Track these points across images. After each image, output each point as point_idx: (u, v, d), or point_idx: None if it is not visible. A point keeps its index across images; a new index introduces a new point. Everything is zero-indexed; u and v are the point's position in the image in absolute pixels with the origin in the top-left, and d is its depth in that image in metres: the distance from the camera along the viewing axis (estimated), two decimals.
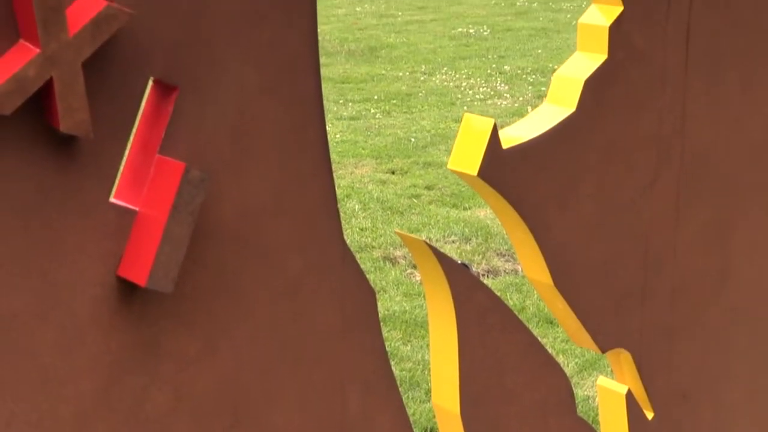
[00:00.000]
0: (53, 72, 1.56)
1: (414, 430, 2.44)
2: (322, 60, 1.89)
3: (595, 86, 2.27)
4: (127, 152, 1.77)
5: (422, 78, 11.91)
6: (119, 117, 1.71)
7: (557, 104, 2.28)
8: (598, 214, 2.36)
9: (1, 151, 1.59)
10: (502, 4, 16.45)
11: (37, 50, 1.54)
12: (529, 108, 10.17)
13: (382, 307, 6.63)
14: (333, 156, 2.33)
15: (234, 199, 1.87)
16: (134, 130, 1.77)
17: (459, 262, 4.84)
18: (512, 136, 2.22)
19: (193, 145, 1.81)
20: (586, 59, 2.30)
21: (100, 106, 1.66)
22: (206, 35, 1.80)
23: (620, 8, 2.30)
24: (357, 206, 7.97)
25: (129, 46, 1.70)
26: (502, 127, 2.18)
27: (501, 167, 2.17)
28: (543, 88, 10.97)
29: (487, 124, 2.12)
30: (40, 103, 1.59)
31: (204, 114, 1.81)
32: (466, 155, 2.14)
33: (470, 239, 7.40)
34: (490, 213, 7.78)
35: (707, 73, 2.49)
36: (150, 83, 1.77)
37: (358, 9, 16.36)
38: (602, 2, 2.33)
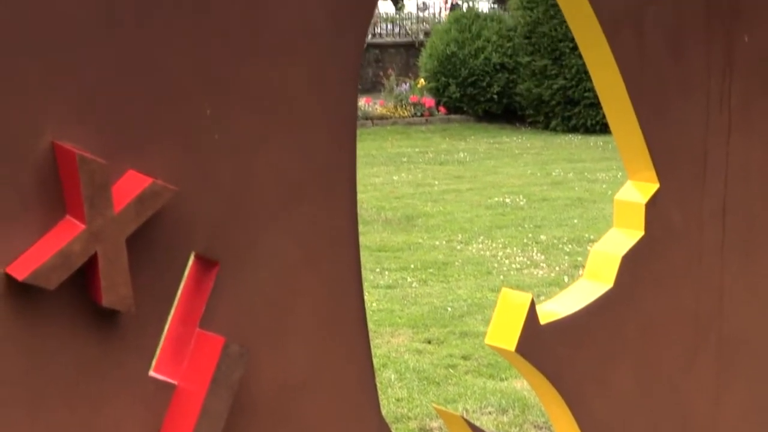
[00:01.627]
0: (98, 247, 1.59)
1: None
2: (359, 228, 1.92)
3: (632, 263, 2.28)
4: (167, 326, 1.78)
5: (459, 247, 11.98)
6: (161, 291, 1.73)
7: (594, 280, 2.28)
8: (636, 392, 2.34)
9: (43, 326, 1.61)
10: (538, 174, 16.64)
11: (83, 226, 1.58)
12: (566, 278, 10.16)
13: None
14: (370, 325, 2.34)
15: (272, 374, 1.88)
16: (175, 304, 1.79)
17: None
18: (550, 311, 2.22)
19: (233, 319, 1.82)
20: (623, 235, 2.32)
21: (142, 280, 1.69)
22: (248, 211, 1.83)
23: (656, 186, 2.33)
24: (393, 376, 7.93)
25: (171, 222, 1.73)
26: (539, 297, 2.18)
27: (538, 343, 2.16)
28: (580, 258, 10.99)
29: (525, 299, 2.13)
30: (83, 278, 1.62)
31: (244, 288, 1.83)
32: (504, 330, 2.15)
33: (507, 411, 7.31)
34: (527, 384, 7.70)
35: (744, 250, 2.50)
36: (191, 258, 1.80)
37: (395, 178, 16.59)
38: (638, 179, 2.36)
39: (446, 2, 33.91)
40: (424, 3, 33.38)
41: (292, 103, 1.87)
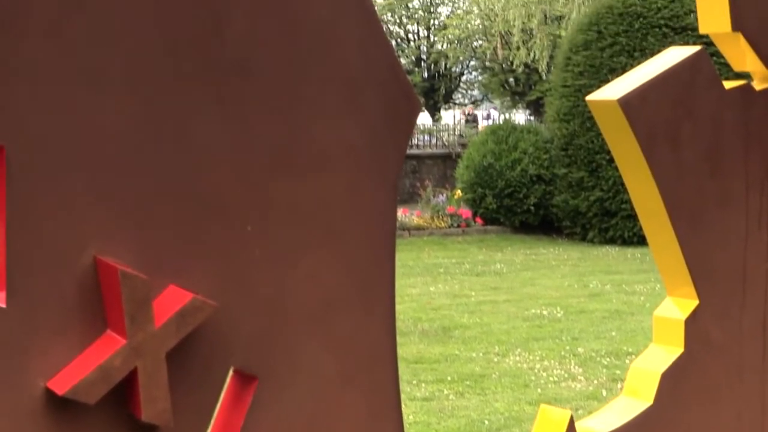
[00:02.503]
0: (138, 363, 1.60)
1: None
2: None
3: (672, 380, 2.25)
4: None
5: (496, 359, 11.88)
6: (199, 406, 1.73)
7: (634, 397, 2.26)
8: None
9: None
10: (575, 286, 16.54)
11: (124, 341, 1.59)
12: (604, 391, 10.03)
13: None
14: None
15: None
16: (213, 419, 1.79)
17: None
18: (589, 428, 2.20)
19: None
20: (663, 352, 2.30)
21: (181, 395, 1.69)
22: (286, 326, 1.84)
23: (695, 302, 2.31)
24: None
25: (211, 336, 1.74)
26: (576, 411, 2.16)
27: None
28: (618, 371, 10.85)
29: (564, 416, 2.11)
30: (122, 392, 1.63)
31: (282, 403, 1.83)
32: None
33: None
34: None
35: None
36: (230, 373, 1.80)
37: (432, 289, 16.55)
38: (677, 295, 2.35)
39: (464, 113, 34.32)
40: (469, 115, 33.79)
41: (331, 218, 1.89)
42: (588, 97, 2.43)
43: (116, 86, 1.67)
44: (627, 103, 2.32)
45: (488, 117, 30.66)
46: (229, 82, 1.77)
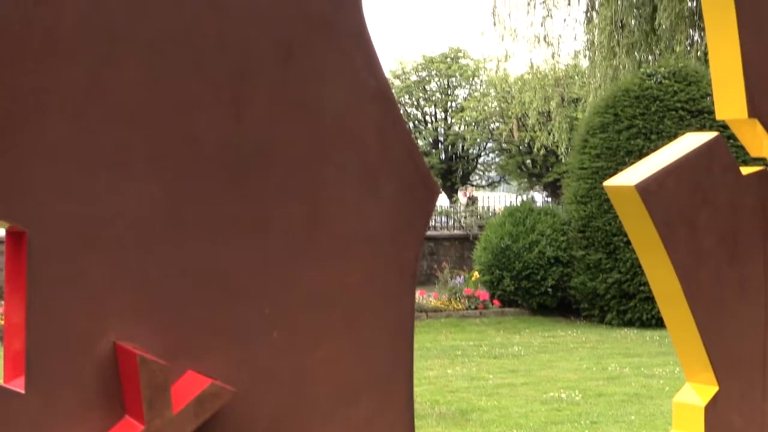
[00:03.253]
0: None
1: None
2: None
3: None
4: None
5: None
6: None
7: None
8: None
9: None
10: (594, 369, 16.41)
11: (141, 426, 1.59)
12: None
13: None
14: None
15: None
16: None
17: None
18: None
19: None
20: None
21: None
22: (304, 410, 1.83)
23: (715, 388, 2.30)
24: None
25: (228, 422, 1.74)
26: None
27: None
28: None
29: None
30: None
31: None
32: None
33: None
34: None
35: None
36: None
37: (449, 371, 16.44)
38: (697, 381, 2.33)
39: (465, 194, 34.48)
40: (471, 198, 33.94)
41: (349, 303, 1.89)
42: (605, 183, 2.44)
43: (137, 170, 1.69)
44: (644, 189, 2.33)
45: (471, 200, 30.97)
46: (249, 165, 1.79)
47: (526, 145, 40.70)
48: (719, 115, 2.58)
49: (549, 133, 31.62)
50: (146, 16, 1.70)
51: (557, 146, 31.62)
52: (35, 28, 1.59)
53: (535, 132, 34.12)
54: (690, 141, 2.49)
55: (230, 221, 1.77)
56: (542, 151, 36.69)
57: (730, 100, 2.53)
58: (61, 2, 1.62)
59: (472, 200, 33.46)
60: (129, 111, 1.68)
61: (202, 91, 1.74)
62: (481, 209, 31.85)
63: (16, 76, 1.58)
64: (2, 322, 14.15)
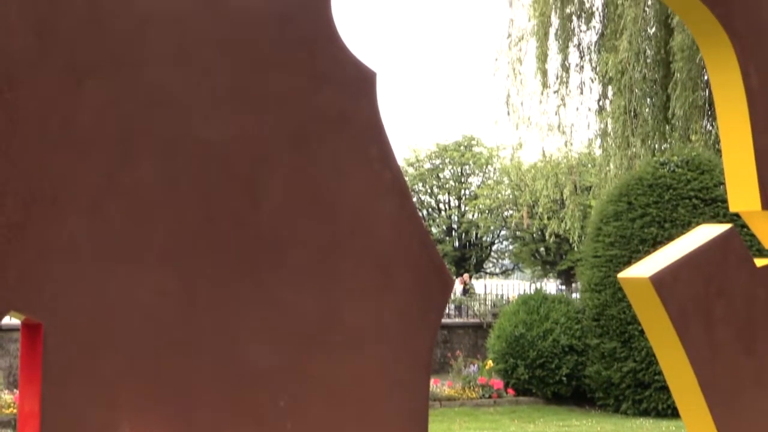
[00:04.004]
0: None
1: None
2: None
3: None
4: None
5: None
6: None
7: None
8: None
9: None
10: None
11: None
12: None
13: None
14: None
15: None
16: None
17: None
18: None
19: None
20: None
21: None
22: None
23: None
24: None
25: None
26: None
27: None
28: None
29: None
30: None
31: None
32: None
33: None
34: None
35: None
36: None
37: None
38: None
39: (462, 282, 34.39)
40: (466, 285, 33.87)
41: (362, 394, 1.89)
42: (620, 275, 2.44)
43: (152, 262, 1.70)
44: (659, 280, 2.33)
45: (465, 289, 31.00)
46: (264, 257, 1.80)
47: (539, 232, 40.72)
48: (733, 207, 2.59)
49: (561, 221, 31.65)
50: (164, 113, 1.73)
51: (569, 234, 31.65)
52: (52, 126, 1.62)
53: (548, 220, 34.15)
54: (704, 233, 2.50)
55: (245, 312, 1.78)
56: (553, 239, 36.68)
57: (743, 192, 2.54)
58: (78, 100, 1.65)
59: (467, 288, 33.37)
60: (145, 205, 1.70)
61: (218, 183, 1.76)
62: (494, 297, 31.75)
63: (35, 173, 1.60)
64: (16, 411, 14.08)
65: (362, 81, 1.95)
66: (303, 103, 1.87)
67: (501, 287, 34.62)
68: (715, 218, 18.30)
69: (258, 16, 1.87)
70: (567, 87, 26.05)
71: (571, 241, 33.50)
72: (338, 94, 1.92)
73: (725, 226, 2.49)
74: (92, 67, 1.69)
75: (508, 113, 27.25)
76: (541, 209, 32.58)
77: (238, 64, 1.84)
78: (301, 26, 1.92)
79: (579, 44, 26.00)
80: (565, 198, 31.55)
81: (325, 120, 1.89)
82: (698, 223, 17.10)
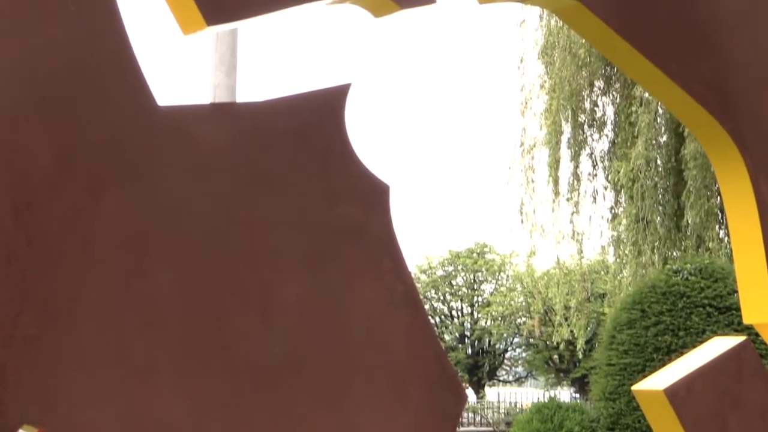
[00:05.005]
0: None
1: None
2: None
3: None
4: None
5: None
6: None
7: None
8: None
9: None
10: None
11: None
12: None
13: None
14: None
15: None
16: None
17: None
18: None
19: None
20: None
21: None
22: None
23: None
24: None
25: None
26: None
27: None
28: None
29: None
30: None
31: None
32: None
33: None
34: None
35: None
36: None
37: None
38: None
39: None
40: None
41: None
42: (634, 387, 2.43)
43: (166, 376, 1.71)
44: (673, 393, 2.32)
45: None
46: (278, 373, 1.80)
47: (552, 340, 40.50)
48: (746, 319, 2.58)
49: (569, 328, 31.48)
50: (178, 228, 1.75)
51: (576, 341, 31.43)
52: (70, 244, 1.64)
53: (560, 327, 33.97)
54: (718, 345, 2.49)
55: (258, 427, 1.77)
56: (562, 346, 36.38)
57: (756, 303, 2.54)
58: (95, 215, 1.68)
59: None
60: (160, 317, 1.71)
61: (231, 299, 1.77)
62: (508, 405, 31.41)
63: (51, 288, 1.62)
64: None
65: (376, 194, 1.97)
66: (317, 218, 1.89)
67: (514, 395, 34.28)
68: (730, 327, 18.18)
69: (272, 133, 1.90)
70: (579, 195, 26.16)
71: (577, 348, 33.24)
72: (352, 208, 1.94)
73: (739, 339, 2.48)
74: (109, 182, 1.72)
75: (522, 221, 27.31)
76: (558, 316, 32.42)
77: (253, 178, 1.86)
78: (316, 141, 1.94)
79: (591, 153, 26.18)
80: (576, 305, 31.42)
81: (339, 234, 1.90)
82: (713, 332, 17.00)
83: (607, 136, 26.15)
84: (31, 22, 1.77)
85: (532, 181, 26.80)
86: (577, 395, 39.43)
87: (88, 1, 1.79)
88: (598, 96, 25.74)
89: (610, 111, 25.86)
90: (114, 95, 1.78)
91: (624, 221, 25.05)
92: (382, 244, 1.96)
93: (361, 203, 1.96)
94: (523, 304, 42.72)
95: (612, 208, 26.72)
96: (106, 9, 1.80)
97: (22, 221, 1.63)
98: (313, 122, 1.96)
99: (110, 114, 1.76)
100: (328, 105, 1.97)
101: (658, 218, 24.73)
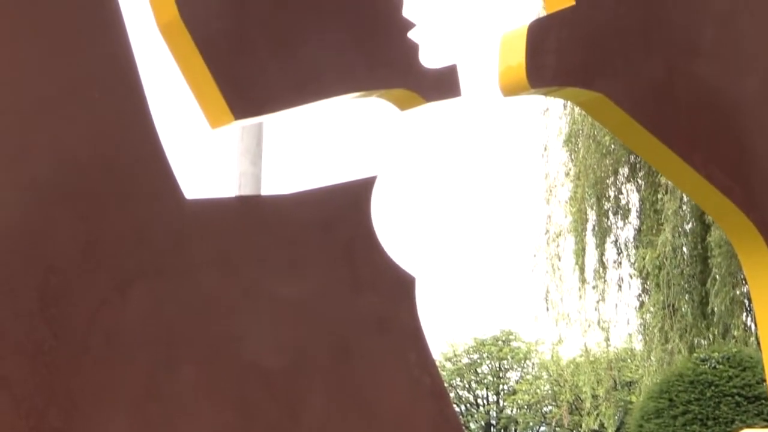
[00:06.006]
0: None
1: None
2: None
3: None
4: None
5: None
6: None
7: None
8: None
9: None
10: None
11: None
12: None
13: None
14: None
15: None
16: None
17: None
18: None
19: None
20: None
21: None
22: None
23: None
24: None
25: None
26: None
27: None
28: None
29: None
30: None
31: None
32: None
33: None
34: None
35: None
36: None
37: None
38: None
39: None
40: None
41: None
42: None
43: None
44: None
45: None
46: None
47: (580, 429, 39.96)
48: None
49: (596, 417, 31.09)
50: (204, 321, 1.75)
51: (605, 430, 30.97)
52: (96, 338, 1.65)
53: (587, 415, 33.54)
54: None
55: None
56: None
57: None
58: (122, 310, 1.68)
59: None
60: (185, 413, 1.71)
61: (257, 393, 1.77)
62: None
63: (78, 382, 1.62)
64: None
65: (401, 286, 1.97)
66: (342, 310, 1.89)
67: None
68: (759, 416, 17.93)
69: (299, 225, 1.92)
70: (605, 282, 26.05)
71: None
72: (378, 300, 1.94)
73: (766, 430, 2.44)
74: (136, 275, 1.73)
75: (547, 309, 27.16)
76: (587, 404, 32.06)
77: (278, 270, 1.87)
78: (342, 234, 1.95)
79: (616, 240, 26.10)
80: (603, 393, 31.06)
81: (364, 327, 1.90)
82: (742, 421, 16.78)
83: (632, 223, 26.10)
84: (59, 114, 1.79)
85: (558, 269, 26.70)
86: None
87: (116, 93, 1.82)
88: (622, 183, 25.76)
89: (635, 198, 25.84)
90: (141, 188, 1.80)
91: (651, 308, 24.88)
92: (407, 337, 1.96)
93: (386, 295, 1.96)
94: (550, 392, 42.30)
95: (639, 295, 26.55)
96: (133, 99, 1.83)
97: (49, 314, 1.64)
98: (339, 214, 1.97)
99: (137, 207, 1.78)
100: (354, 197, 1.98)
101: (685, 305, 24.57)
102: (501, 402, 47.15)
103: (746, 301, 22.98)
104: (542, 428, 46.97)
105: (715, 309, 23.17)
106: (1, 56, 1.75)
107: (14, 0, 1.75)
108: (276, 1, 1.98)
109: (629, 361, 35.78)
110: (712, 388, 19.87)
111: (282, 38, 1.97)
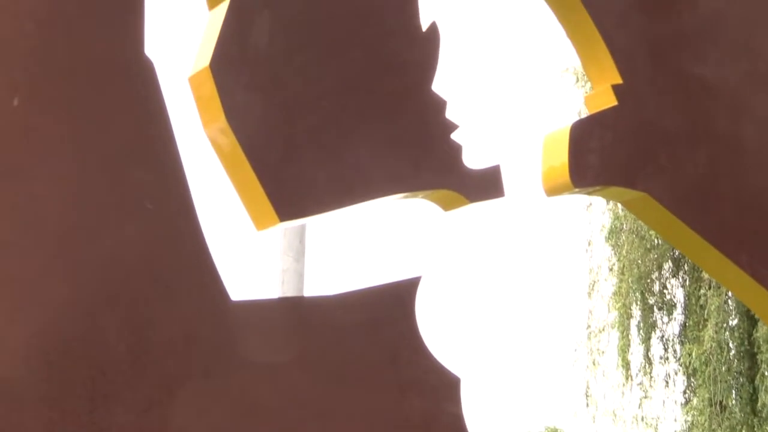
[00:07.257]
0: None
1: None
2: None
3: None
4: None
5: None
6: None
7: None
8: None
9: None
10: None
11: None
12: None
13: None
14: None
15: None
16: None
17: None
18: None
19: None
20: None
21: None
22: None
23: None
24: None
25: None
26: None
27: None
28: None
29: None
30: None
31: None
32: None
33: None
34: None
35: None
36: None
37: None
38: None
39: None
40: None
41: None
42: None
43: None
44: None
45: None
46: None
47: None
48: None
49: None
50: (252, 423, 1.75)
51: None
52: None
53: None
54: None
55: None
56: None
57: None
58: (170, 409, 1.69)
59: None
60: None
61: None
62: None
63: None
64: None
65: (446, 387, 1.97)
66: (387, 411, 1.89)
67: None
68: None
69: (343, 326, 1.92)
70: (651, 379, 25.70)
71: None
72: (422, 401, 1.93)
73: None
74: (182, 377, 1.74)
75: (587, 404, 26.76)
76: None
77: (323, 372, 1.87)
78: (386, 335, 1.96)
79: (662, 336, 25.81)
80: None
81: (409, 428, 1.89)
82: None
83: (676, 319, 25.81)
84: (110, 221, 1.83)
85: (599, 365, 26.38)
86: None
87: (166, 202, 1.85)
88: (667, 278, 25.55)
89: (679, 294, 25.60)
90: (188, 292, 1.82)
91: (698, 406, 24.47)
92: None
93: (431, 396, 1.95)
94: None
95: (685, 392, 26.15)
96: (182, 209, 1.86)
97: (98, 415, 1.65)
98: (384, 316, 1.97)
99: (184, 310, 1.80)
100: (399, 298, 1.99)
101: (732, 402, 24.15)
102: None
103: None
104: None
105: (764, 405, 22.75)
106: (68, 169, 1.79)
107: (79, 116, 1.80)
108: (323, 109, 2.01)
109: None
110: None
111: (329, 145, 2.00)
